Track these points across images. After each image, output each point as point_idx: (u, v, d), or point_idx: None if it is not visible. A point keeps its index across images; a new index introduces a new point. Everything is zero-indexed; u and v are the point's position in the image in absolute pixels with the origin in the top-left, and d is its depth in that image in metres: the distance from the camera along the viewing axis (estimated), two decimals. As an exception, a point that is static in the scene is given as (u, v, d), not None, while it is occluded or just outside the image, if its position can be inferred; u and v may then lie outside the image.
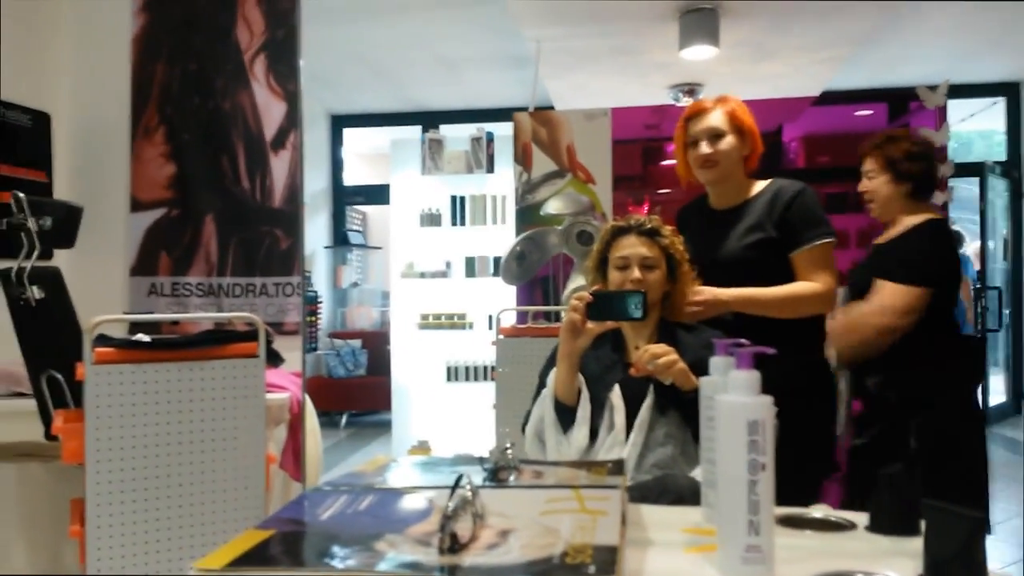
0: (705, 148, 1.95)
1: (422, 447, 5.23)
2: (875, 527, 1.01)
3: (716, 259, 1.95)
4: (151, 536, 1.89)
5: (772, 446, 0.81)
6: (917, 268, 2.13)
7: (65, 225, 2.23)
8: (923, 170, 2.25)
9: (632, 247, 1.77)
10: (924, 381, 2.11)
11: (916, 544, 0.86)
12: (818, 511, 1.07)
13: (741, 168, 2.01)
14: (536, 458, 1.69)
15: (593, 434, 1.65)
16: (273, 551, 0.73)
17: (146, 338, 2.07)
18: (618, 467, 1.15)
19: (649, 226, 1.79)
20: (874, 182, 2.29)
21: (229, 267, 2.98)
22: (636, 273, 1.74)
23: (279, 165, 2.97)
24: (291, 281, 2.91)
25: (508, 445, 1.08)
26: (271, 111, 2.95)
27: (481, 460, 1.07)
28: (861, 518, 1.05)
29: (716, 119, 1.95)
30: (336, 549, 0.74)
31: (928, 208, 2.30)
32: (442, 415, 5.22)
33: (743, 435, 0.80)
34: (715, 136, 1.95)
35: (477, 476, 1.04)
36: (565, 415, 1.67)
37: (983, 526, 0.79)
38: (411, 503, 0.91)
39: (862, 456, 2.24)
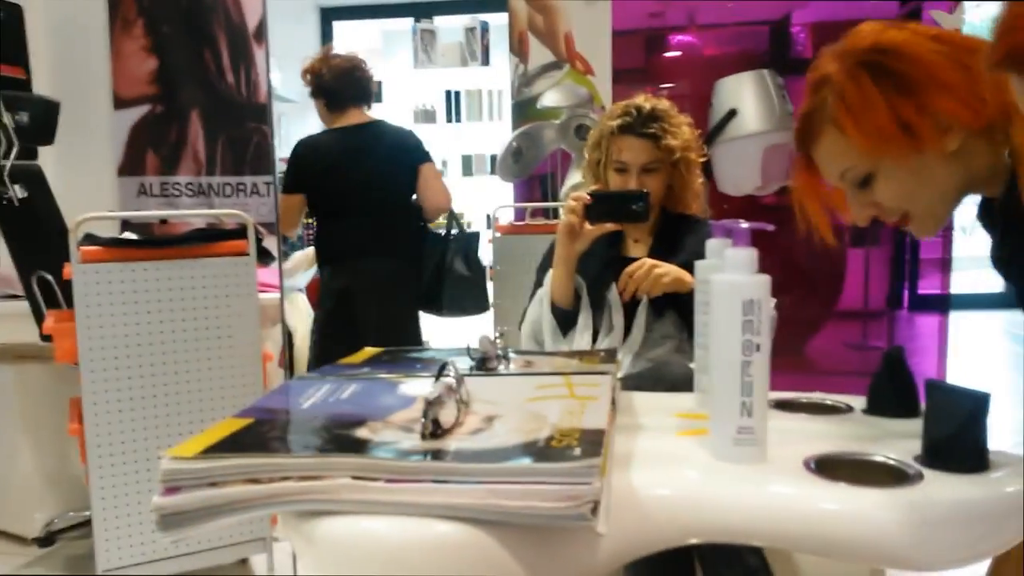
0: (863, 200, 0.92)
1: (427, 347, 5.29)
2: (873, 409, 0.99)
3: None
4: (150, 433, 1.91)
5: (768, 327, 0.78)
6: None
7: (43, 120, 2.16)
8: None
9: (631, 151, 1.62)
10: None
11: (915, 426, 0.84)
12: (815, 396, 1.05)
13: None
14: None
15: (593, 336, 1.61)
16: (248, 438, 0.71)
17: (133, 236, 2.03)
18: (610, 355, 1.13)
19: (652, 130, 1.62)
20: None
21: (218, 166, 2.91)
22: (634, 183, 1.62)
23: (264, 58, 2.85)
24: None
25: (497, 334, 1.05)
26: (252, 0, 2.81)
27: (470, 350, 1.04)
28: (860, 402, 1.03)
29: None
30: (314, 436, 0.72)
31: None
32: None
33: (738, 315, 0.76)
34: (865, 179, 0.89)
35: (465, 365, 1.02)
36: (564, 319, 1.61)
37: (986, 404, 0.76)
38: (395, 392, 0.89)
39: None
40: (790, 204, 0.98)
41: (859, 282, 4.47)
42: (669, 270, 1.47)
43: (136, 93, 2.89)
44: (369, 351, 1.14)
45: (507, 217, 3.15)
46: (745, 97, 3.12)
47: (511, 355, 1.07)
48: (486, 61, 5.08)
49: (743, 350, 0.77)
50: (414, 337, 2.83)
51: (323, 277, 2.72)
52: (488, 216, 5.13)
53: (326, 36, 7.14)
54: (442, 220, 2.91)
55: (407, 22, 5.96)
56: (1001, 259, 0.94)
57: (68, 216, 2.04)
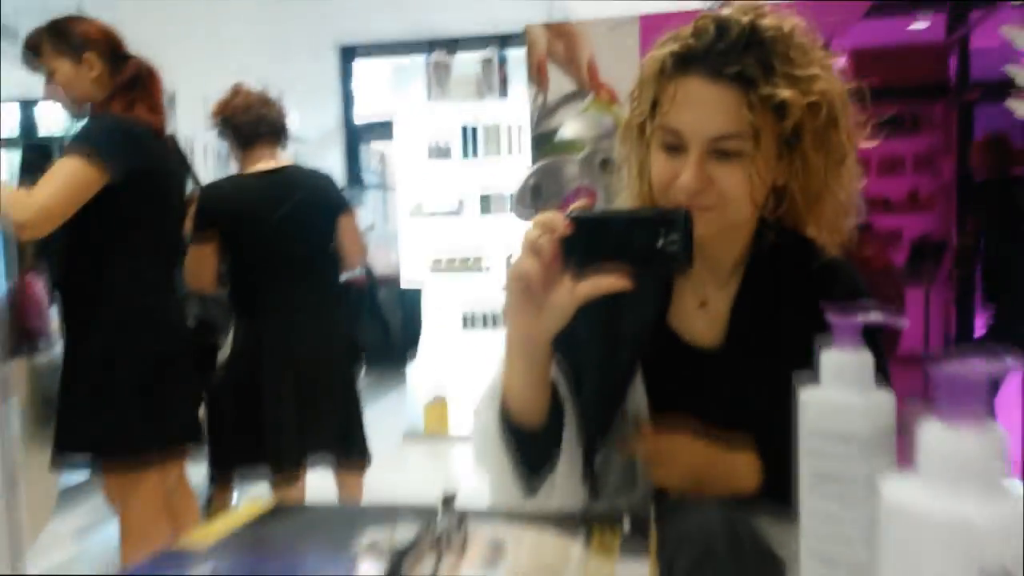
0: None
1: (438, 403, 4.84)
2: None
3: None
4: None
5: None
6: None
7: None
8: None
9: (695, 108, 0.79)
10: None
11: None
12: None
13: None
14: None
15: (589, 478, 0.87)
16: None
17: None
18: (640, 528, 0.67)
19: (746, 65, 0.77)
20: None
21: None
22: (689, 176, 0.79)
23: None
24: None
25: (447, 497, 0.61)
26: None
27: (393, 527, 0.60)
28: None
29: None
30: None
31: None
32: (459, 365, 4.79)
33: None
34: None
35: (374, 566, 0.58)
36: (526, 445, 0.82)
37: None
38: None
39: None
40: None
41: (919, 324, 4.15)
42: (694, 455, 0.81)
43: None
44: (250, 506, 0.71)
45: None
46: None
47: (464, 531, 0.64)
48: (504, 93, 4.72)
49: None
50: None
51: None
52: (508, 259, 4.72)
53: (346, 74, 6.89)
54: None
55: (422, 56, 5.66)
56: None
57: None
